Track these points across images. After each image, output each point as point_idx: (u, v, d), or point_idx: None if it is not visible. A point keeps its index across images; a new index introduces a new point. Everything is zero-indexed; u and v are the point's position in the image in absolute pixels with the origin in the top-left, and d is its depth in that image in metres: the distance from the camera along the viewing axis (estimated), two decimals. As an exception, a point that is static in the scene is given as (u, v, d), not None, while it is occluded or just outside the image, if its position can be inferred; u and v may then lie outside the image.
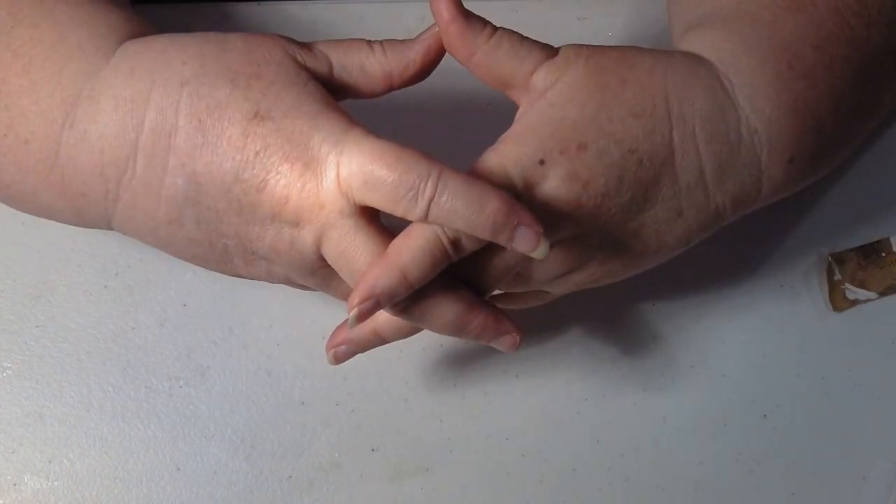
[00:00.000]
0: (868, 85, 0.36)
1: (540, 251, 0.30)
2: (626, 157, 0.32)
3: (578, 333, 0.44)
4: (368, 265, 0.31)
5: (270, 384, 0.42)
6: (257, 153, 0.30)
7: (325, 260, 0.32)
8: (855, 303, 0.44)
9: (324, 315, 0.42)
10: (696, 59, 0.34)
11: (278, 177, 0.30)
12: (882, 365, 0.45)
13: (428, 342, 0.43)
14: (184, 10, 0.44)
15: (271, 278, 0.34)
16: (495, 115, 0.44)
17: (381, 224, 0.32)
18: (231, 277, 0.42)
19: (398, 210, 0.30)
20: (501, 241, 0.30)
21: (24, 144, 0.32)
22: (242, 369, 0.42)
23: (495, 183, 0.31)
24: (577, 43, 0.34)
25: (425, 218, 0.30)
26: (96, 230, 0.42)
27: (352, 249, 0.31)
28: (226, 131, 0.30)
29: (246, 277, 0.34)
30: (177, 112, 0.31)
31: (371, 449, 0.42)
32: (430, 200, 0.30)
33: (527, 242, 0.30)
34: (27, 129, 0.32)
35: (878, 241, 0.45)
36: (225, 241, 0.32)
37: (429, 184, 0.30)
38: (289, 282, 0.34)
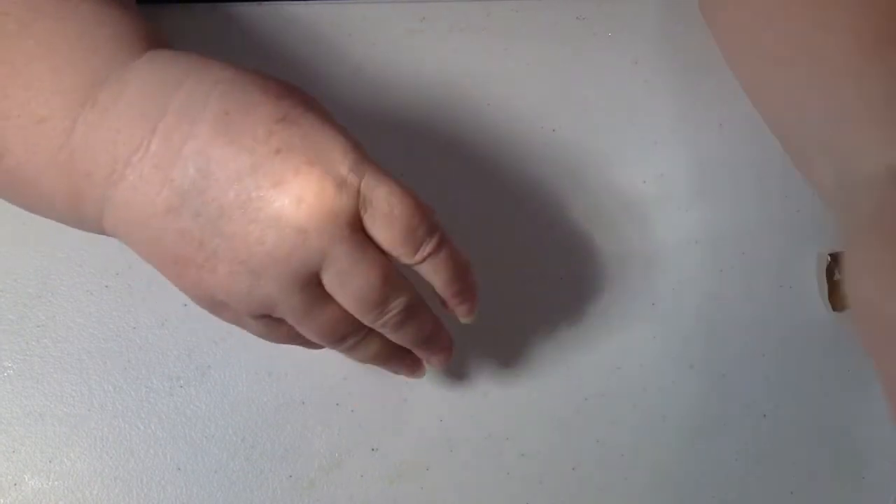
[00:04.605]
0: None
1: (471, 319, 0.36)
2: None
3: (578, 333, 0.44)
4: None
5: (270, 384, 0.42)
6: (279, 150, 0.30)
7: (319, 278, 0.31)
8: (855, 303, 0.44)
9: (324, 315, 0.42)
10: None
11: (297, 176, 0.30)
12: (882, 365, 0.45)
13: (428, 342, 0.43)
14: (184, 10, 0.44)
15: (247, 300, 0.32)
16: (495, 113, 0.45)
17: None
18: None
19: (397, 249, 0.32)
20: (453, 302, 0.35)
21: (37, 123, 0.31)
22: (242, 369, 0.42)
23: None
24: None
25: (420, 263, 0.32)
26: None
27: (358, 266, 0.31)
28: (250, 127, 0.30)
29: (210, 299, 0.32)
30: (206, 103, 0.30)
31: (371, 449, 0.42)
32: (431, 252, 0.32)
33: (468, 311, 0.36)
34: (45, 107, 0.31)
35: (878, 241, 0.45)
36: (218, 241, 0.31)
37: (435, 237, 0.32)
38: (262, 307, 0.32)
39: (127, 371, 0.42)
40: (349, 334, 0.34)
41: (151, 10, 0.43)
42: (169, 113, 0.30)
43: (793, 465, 0.44)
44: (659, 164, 0.45)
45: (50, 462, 0.41)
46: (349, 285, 0.31)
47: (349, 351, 0.35)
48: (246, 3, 0.45)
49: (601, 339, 0.44)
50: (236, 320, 0.33)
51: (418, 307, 0.34)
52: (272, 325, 0.33)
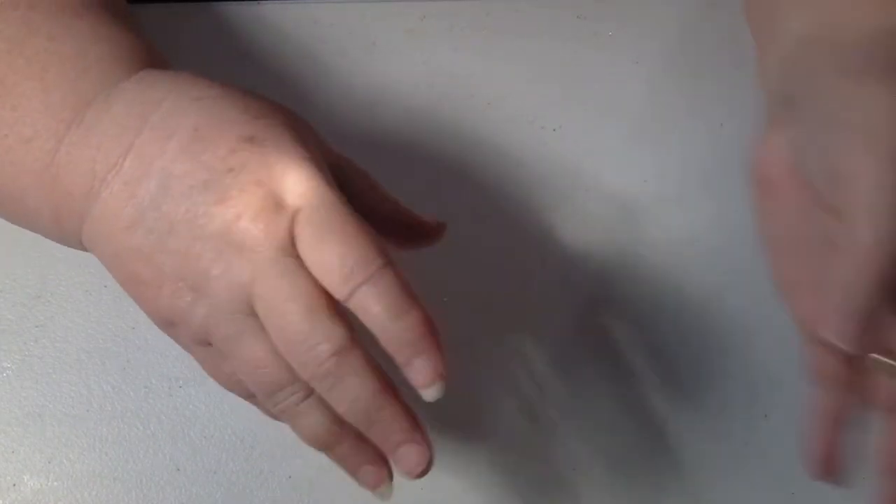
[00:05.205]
0: None
1: (431, 392, 0.30)
2: None
3: (578, 334, 0.44)
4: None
5: (270, 384, 0.42)
6: (231, 169, 0.30)
7: (251, 307, 0.30)
8: (855, 303, 0.44)
9: (324, 315, 0.42)
10: None
11: (241, 194, 0.29)
12: (882, 365, 0.45)
13: (428, 342, 0.43)
14: (183, 10, 0.44)
15: (187, 321, 0.31)
16: (496, 113, 0.45)
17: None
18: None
19: (327, 277, 0.29)
20: (399, 358, 0.29)
21: (24, 143, 0.31)
22: (242, 369, 0.42)
23: None
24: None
25: (349, 296, 0.29)
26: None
27: (284, 289, 0.29)
28: (213, 145, 0.30)
29: (162, 319, 0.32)
30: (181, 120, 0.30)
31: (371, 449, 0.42)
32: (362, 282, 0.29)
33: (422, 376, 0.29)
34: (31, 128, 0.31)
35: (878, 241, 0.45)
36: (164, 258, 0.30)
37: (372, 267, 0.29)
38: (200, 332, 0.31)
39: (126, 371, 0.42)
40: (281, 384, 0.30)
41: (149, 9, 0.43)
42: (146, 130, 0.30)
43: (793, 465, 0.44)
44: (659, 163, 0.45)
45: (49, 462, 0.41)
46: (274, 312, 0.29)
47: (287, 416, 0.32)
48: (246, 3, 0.45)
49: (601, 339, 0.44)
50: (187, 347, 0.33)
51: (360, 358, 0.29)
52: (214, 360, 0.32)
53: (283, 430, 0.42)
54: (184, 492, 0.41)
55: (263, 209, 0.29)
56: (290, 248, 0.30)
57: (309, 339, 0.29)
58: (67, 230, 0.33)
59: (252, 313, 0.30)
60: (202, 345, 0.32)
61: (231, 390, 0.33)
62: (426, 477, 0.43)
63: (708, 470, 0.44)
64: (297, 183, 0.30)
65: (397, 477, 0.33)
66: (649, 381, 0.44)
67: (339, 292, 0.29)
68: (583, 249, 0.44)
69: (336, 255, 0.29)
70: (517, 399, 0.43)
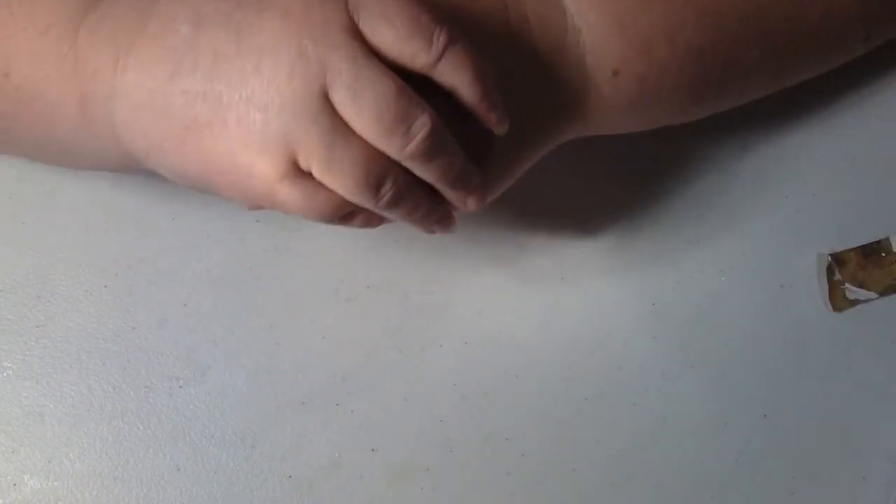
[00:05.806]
0: (717, 32, 0.36)
1: (504, 127, 0.32)
2: None
3: (578, 333, 0.44)
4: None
5: (270, 384, 0.42)
6: None
7: (329, 104, 0.29)
8: (855, 303, 0.45)
9: (324, 315, 0.42)
10: None
11: None
12: (882, 365, 0.45)
13: (428, 342, 0.43)
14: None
15: (265, 148, 0.29)
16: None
17: None
18: (232, 280, 0.42)
19: (407, 45, 0.29)
20: (483, 107, 0.31)
21: (42, 34, 0.32)
22: (242, 369, 0.42)
23: None
24: None
25: (436, 62, 0.29)
26: (96, 231, 0.42)
27: (366, 73, 0.29)
28: None
29: (238, 160, 0.30)
30: None
31: (371, 449, 0.42)
32: (448, 43, 0.29)
33: (499, 117, 0.32)
34: (49, 16, 0.32)
35: (878, 241, 0.45)
36: (219, 87, 0.29)
37: (445, 27, 0.29)
38: (284, 154, 0.29)
39: (126, 371, 0.42)
40: (384, 174, 0.30)
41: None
42: None
43: (793, 465, 0.44)
44: (660, 163, 0.45)
45: (49, 462, 0.41)
46: (362, 99, 0.28)
47: (389, 206, 0.31)
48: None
49: (601, 340, 0.44)
50: (268, 192, 0.30)
51: (444, 132, 0.30)
52: (306, 189, 0.30)
53: (283, 430, 0.42)
54: (184, 492, 0.41)
55: (310, 4, 0.29)
56: (355, 32, 0.29)
57: (408, 118, 0.29)
58: (95, 116, 0.32)
59: (334, 111, 0.29)
60: (290, 181, 0.30)
61: (327, 220, 0.31)
62: (428, 480, 0.42)
63: (707, 470, 0.44)
64: None
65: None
66: (648, 380, 0.44)
67: (427, 55, 0.29)
68: (582, 248, 0.44)
69: (410, 18, 0.29)
70: (516, 397, 0.43)
